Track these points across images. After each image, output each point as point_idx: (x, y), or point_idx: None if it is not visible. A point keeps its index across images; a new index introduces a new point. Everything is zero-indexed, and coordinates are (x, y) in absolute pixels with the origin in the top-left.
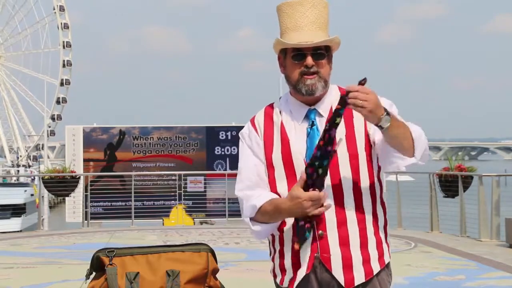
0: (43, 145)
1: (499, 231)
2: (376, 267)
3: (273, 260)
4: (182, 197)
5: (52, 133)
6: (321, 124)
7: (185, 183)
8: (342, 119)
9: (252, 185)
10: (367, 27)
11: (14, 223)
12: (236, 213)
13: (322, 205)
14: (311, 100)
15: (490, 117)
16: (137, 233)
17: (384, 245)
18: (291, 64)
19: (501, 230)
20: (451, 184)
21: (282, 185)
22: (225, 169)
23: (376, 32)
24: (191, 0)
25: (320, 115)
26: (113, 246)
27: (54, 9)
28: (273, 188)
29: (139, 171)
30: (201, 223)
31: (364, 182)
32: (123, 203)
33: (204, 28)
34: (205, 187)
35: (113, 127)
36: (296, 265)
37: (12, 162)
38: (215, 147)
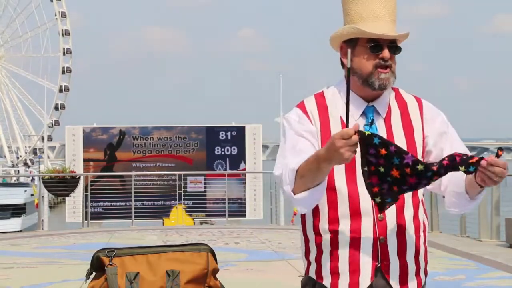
0: (39, 149)
1: (499, 231)
2: (423, 277)
3: (317, 261)
4: (182, 197)
5: (49, 138)
6: (378, 123)
7: (185, 183)
8: (400, 119)
9: (296, 156)
10: None
11: (14, 223)
12: (236, 213)
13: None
14: (370, 96)
15: (490, 117)
16: (137, 233)
17: (428, 255)
18: (365, 55)
19: (501, 230)
20: None
21: (341, 179)
22: (225, 169)
23: None
24: (191, 0)
25: (378, 113)
26: (113, 246)
27: (55, 15)
28: (331, 182)
29: (139, 171)
30: (201, 223)
31: (420, 190)
32: (123, 203)
33: (204, 28)
34: (205, 187)
35: (113, 127)
36: (355, 271)
37: (12, 162)
38: (215, 147)
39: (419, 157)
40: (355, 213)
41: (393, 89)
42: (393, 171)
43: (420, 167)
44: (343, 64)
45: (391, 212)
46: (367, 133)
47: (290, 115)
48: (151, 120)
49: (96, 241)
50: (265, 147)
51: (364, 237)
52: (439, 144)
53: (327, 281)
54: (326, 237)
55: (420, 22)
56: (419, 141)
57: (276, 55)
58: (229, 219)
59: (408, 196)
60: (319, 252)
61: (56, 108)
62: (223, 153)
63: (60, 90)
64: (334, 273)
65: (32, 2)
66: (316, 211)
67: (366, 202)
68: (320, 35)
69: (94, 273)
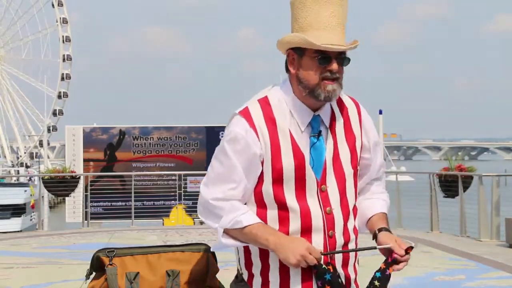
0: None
1: (499, 231)
2: (359, 283)
3: (264, 275)
4: (182, 197)
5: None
6: (324, 133)
7: (185, 183)
8: (343, 128)
9: (235, 196)
10: (366, 27)
11: (14, 223)
12: None
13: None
14: (315, 105)
15: (490, 117)
16: (137, 233)
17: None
18: (312, 66)
19: (501, 230)
20: (451, 184)
21: (291, 197)
22: None
23: (376, 32)
24: (191, 0)
25: (323, 123)
26: (113, 246)
27: (57, 21)
28: (281, 200)
29: (139, 171)
30: (201, 223)
31: (356, 198)
32: (123, 203)
33: (204, 28)
34: None
35: (113, 127)
36: (307, 286)
37: (12, 162)
38: (215, 147)
39: (357, 167)
40: (307, 230)
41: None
42: None
43: None
44: (287, 69)
45: (339, 226)
46: (324, 267)
47: (236, 128)
48: (151, 120)
49: (96, 241)
50: None
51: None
52: (374, 156)
53: None
54: (256, 251)
55: (420, 22)
56: (358, 150)
57: (276, 55)
58: None
59: (351, 208)
60: (265, 266)
61: (54, 114)
62: None
63: (59, 97)
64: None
65: (33, 6)
66: None
67: (317, 219)
68: None
69: (94, 273)
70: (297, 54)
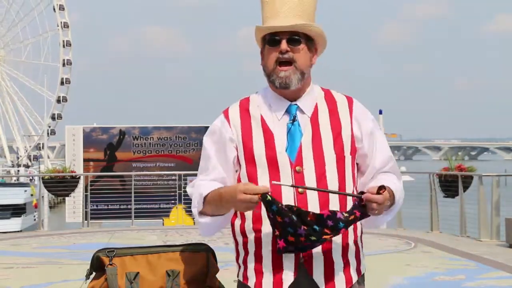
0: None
1: (499, 231)
2: (355, 276)
3: (244, 263)
4: (182, 197)
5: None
6: (303, 120)
7: (185, 183)
8: (328, 117)
9: (209, 179)
10: (367, 27)
11: (14, 223)
12: None
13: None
14: (291, 95)
15: (490, 117)
16: (137, 233)
17: (361, 255)
18: (267, 52)
19: (501, 230)
20: (451, 184)
21: (264, 180)
22: None
23: (376, 32)
24: (191, 0)
25: (302, 112)
26: (113, 246)
27: (57, 25)
28: (255, 183)
29: (139, 171)
30: None
31: (349, 186)
32: (123, 203)
33: (204, 28)
34: None
35: (113, 127)
36: (279, 269)
37: (12, 162)
38: None
39: (351, 147)
40: None
41: (323, 90)
42: (289, 237)
43: (313, 238)
44: None
45: (312, 207)
46: (268, 198)
47: (214, 122)
48: (151, 120)
49: (96, 241)
50: None
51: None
52: (371, 146)
53: (251, 281)
54: (251, 237)
55: (420, 22)
56: (347, 140)
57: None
58: None
59: (334, 196)
60: (246, 253)
61: (53, 118)
62: None
63: (58, 101)
64: (258, 272)
65: (34, 9)
66: (242, 213)
67: (288, 199)
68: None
69: (94, 273)
70: (261, 47)
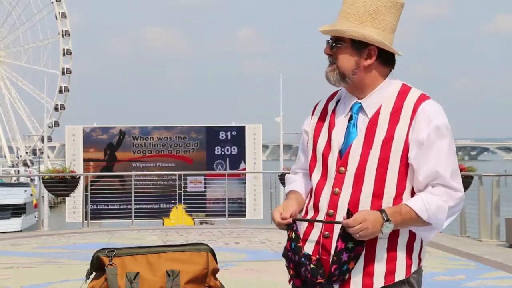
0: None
1: (499, 231)
2: (379, 283)
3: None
4: (182, 197)
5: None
6: (362, 120)
7: (185, 183)
8: (388, 119)
9: (296, 168)
10: None
11: (14, 223)
12: (236, 213)
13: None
14: (359, 92)
15: (490, 117)
16: (137, 233)
17: (400, 262)
18: None
19: (501, 230)
20: None
21: (315, 176)
22: (225, 169)
23: None
24: (191, 0)
25: (364, 111)
26: (113, 246)
27: (58, 34)
28: (310, 178)
29: (139, 171)
30: (201, 223)
31: (389, 192)
32: (123, 203)
33: (204, 28)
34: (205, 187)
35: (113, 127)
36: None
37: (12, 162)
38: (215, 147)
39: (394, 160)
40: (316, 206)
41: (403, 87)
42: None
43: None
44: None
45: (341, 208)
46: (293, 235)
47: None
48: (151, 120)
49: (96, 241)
50: (265, 147)
51: (309, 239)
52: (418, 157)
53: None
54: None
55: (420, 22)
56: (398, 146)
57: (276, 55)
58: (229, 219)
59: (368, 194)
60: None
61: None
62: (223, 153)
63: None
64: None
65: (36, 14)
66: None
67: (324, 198)
68: (320, 35)
69: (94, 273)
70: None
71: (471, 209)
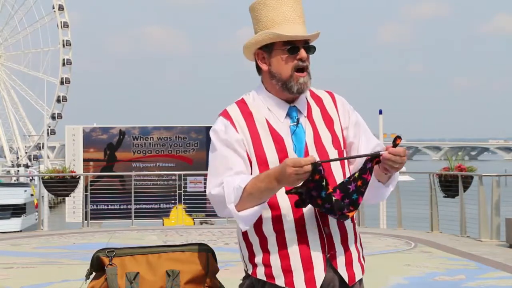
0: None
1: (499, 231)
2: (363, 263)
3: (266, 262)
4: (182, 197)
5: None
6: (302, 121)
7: (185, 183)
8: (320, 115)
9: (232, 174)
10: (367, 27)
11: (14, 223)
12: None
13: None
14: (289, 98)
15: (491, 116)
16: (137, 233)
17: (361, 241)
18: (283, 58)
19: (501, 230)
20: (451, 184)
21: None
22: None
23: (376, 32)
24: (191, 0)
25: (300, 113)
26: (113, 246)
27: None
28: None
29: (139, 171)
30: (201, 223)
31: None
32: (123, 203)
33: (204, 28)
34: (205, 187)
35: (113, 127)
36: (309, 266)
37: (12, 162)
38: None
39: (343, 144)
40: (298, 210)
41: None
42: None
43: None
44: (259, 70)
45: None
46: (320, 168)
47: (216, 126)
48: (151, 120)
49: (96, 241)
50: None
51: (309, 231)
52: (358, 134)
53: (279, 280)
54: (272, 238)
55: (420, 22)
56: (339, 133)
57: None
58: (229, 219)
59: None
60: (266, 253)
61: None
62: None
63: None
64: (287, 271)
65: (38, 21)
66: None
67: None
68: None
69: (94, 273)
70: (266, 52)
71: (471, 209)
